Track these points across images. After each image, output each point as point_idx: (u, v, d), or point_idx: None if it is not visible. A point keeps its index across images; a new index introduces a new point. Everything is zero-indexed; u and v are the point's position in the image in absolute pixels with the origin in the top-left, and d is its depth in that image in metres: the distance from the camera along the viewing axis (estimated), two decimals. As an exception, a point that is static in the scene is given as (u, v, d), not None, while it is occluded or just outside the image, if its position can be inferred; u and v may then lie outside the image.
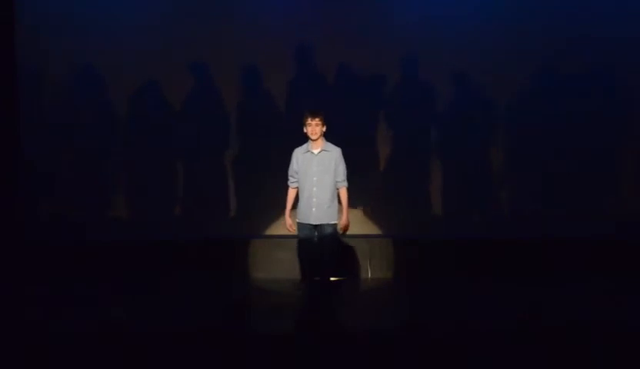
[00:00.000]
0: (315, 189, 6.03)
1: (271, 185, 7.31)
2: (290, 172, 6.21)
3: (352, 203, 7.50)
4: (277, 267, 7.46)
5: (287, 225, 6.25)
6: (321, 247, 6.10)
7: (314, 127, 5.98)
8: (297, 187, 6.20)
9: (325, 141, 6.08)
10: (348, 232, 6.26)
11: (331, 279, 6.26)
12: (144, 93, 7.85)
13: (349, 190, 6.19)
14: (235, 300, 6.96)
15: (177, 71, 7.76)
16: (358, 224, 7.61)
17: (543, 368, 5.01)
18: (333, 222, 6.09)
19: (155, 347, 5.34)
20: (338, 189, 6.13)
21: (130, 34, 7.73)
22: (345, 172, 6.14)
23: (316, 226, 6.07)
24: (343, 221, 6.15)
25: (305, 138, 6.11)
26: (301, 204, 6.13)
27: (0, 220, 7.62)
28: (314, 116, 5.98)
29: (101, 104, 7.83)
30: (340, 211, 6.16)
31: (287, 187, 6.28)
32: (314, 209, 6.03)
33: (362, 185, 7.60)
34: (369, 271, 7.71)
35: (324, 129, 6.04)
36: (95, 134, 7.80)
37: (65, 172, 7.80)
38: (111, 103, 7.84)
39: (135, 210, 7.92)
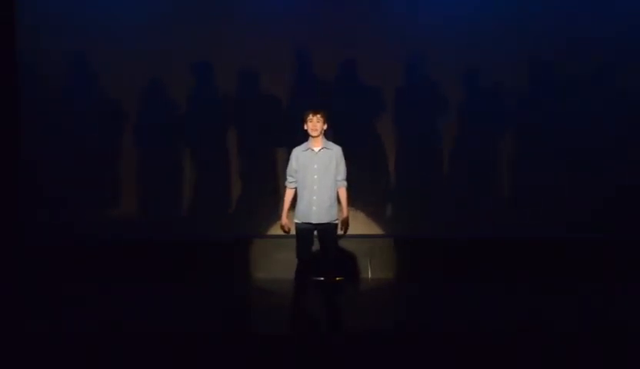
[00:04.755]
0: (315, 187, 5.97)
1: (271, 185, 7.31)
2: (289, 171, 6.13)
3: (353, 203, 7.51)
4: (277, 267, 7.45)
5: (283, 225, 6.16)
6: (323, 247, 6.06)
7: (315, 123, 5.94)
8: (295, 188, 6.12)
9: (324, 139, 6.05)
10: (348, 232, 6.21)
11: (336, 279, 6.21)
12: (144, 93, 7.84)
13: (350, 189, 6.17)
14: (235, 300, 6.96)
15: (177, 71, 7.76)
16: (359, 224, 7.61)
17: (542, 368, 5.01)
18: (334, 221, 6.06)
19: (155, 347, 5.35)
20: (337, 188, 6.08)
21: (130, 34, 7.73)
22: (345, 171, 6.12)
23: (316, 225, 6.03)
24: (344, 221, 6.11)
25: (305, 138, 6.09)
26: (301, 203, 6.04)
27: (0, 221, 7.62)
28: (315, 112, 5.96)
29: (102, 105, 7.81)
30: (340, 210, 6.11)
31: (285, 187, 6.20)
32: (314, 208, 5.96)
33: (363, 185, 7.59)
34: (369, 271, 7.70)
35: (325, 127, 6.00)
36: (95, 135, 7.79)
37: (65, 172, 7.79)
38: (112, 103, 7.83)
39: (135, 210, 7.91)
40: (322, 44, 7.77)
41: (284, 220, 6.15)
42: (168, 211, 7.90)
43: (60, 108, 7.79)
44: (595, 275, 7.30)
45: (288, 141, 6.45)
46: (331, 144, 6.05)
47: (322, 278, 6.07)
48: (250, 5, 7.81)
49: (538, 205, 7.75)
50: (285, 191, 6.19)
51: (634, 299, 6.67)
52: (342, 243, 7.35)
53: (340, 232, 6.11)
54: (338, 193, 6.07)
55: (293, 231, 6.11)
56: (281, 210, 6.18)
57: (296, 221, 6.04)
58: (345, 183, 6.09)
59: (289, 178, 6.13)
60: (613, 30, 7.66)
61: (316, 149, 5.99)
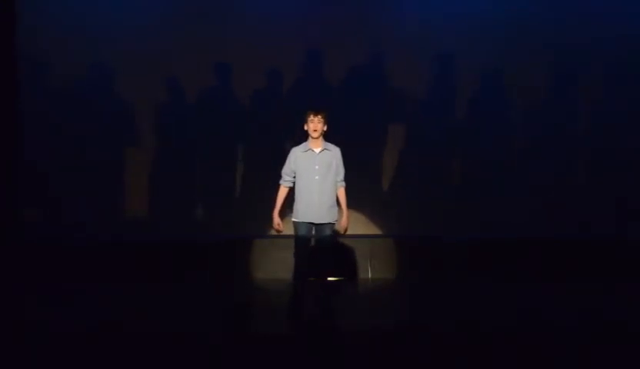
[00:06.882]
0: (317, 188, 5.97)
1: (272, 185, 7.25)
2: (285, 170, 6.14)
3: (353, 203, 7.50)
4: (277, 267, 7.45)
5: (275, 224, 6.17)
6: (320, 247, 6.07)
7: (316, 123, 5.94)
8: (290, 187, 6.14)
9: (324, 140, 6.05)
10: (347, 232, 6.23)
11: (330, 279, 6.21)
12: (144, 93, 7.82)
13: (349, 190, 6.17)
14: (235, 300, 6.96)
15: (178, 71, 7.76)
16: (359, 224, 7.61)
17: (542, 368, 5.01)
18: (333, 222, 6.07)
19: (155, 347, 5.34)
20: (337, 189, 6.10)
21: (130, 35, 7.73)
22: (344, 172, 6.13)
23: (315, 225, 6.03)
24: (343, 222, 6.13)
25: (306, 138, 6.09)
26: (300, 203, 6.04)
27: (0, 220, 7.62)
28: (316, 113, 5.96)
29: (102, 105, 7.81)
30: (339, 211, 6.12)
31: (278, 185, 6.19)
32: (315, 208, 5.97)
33: (363, 185, 7.60)
34: (369, 271, 7.70)
35: (325, 128, 6.00)
36: (95, 135, 7.79)
37: (65, 172, 7.79)
38: (112, 103, 7.83)
39: (135, 211, 7.91)
40: (324, 44, 7.79)
41: (276, 218, 6.15)
42: (168, 211, 7.89)
43: (60, 107, 7.78)
44: (598, 276, 7.31)
45: (290, 141, 6.46)
46: (331, 146, 6.06)
47: (320, 278, 6.07)
48: (251, 6, 7.81)
49: (539, 205, 7.75)
50: (278, 188, 6.17)
51: (634, 299, 6.67)
52: (342, 243, 7.35)
53: (340, 232, 6.13)
54: (337, 193, 6.09)
55: (286, 231, 6.11)
56: (274, 207, 6.17)
57: (295, 220, 6.04)
58: (343, 183, 6.12)
59: (285, 177, 6.13)
60: (615, 30, 7.67)
61: (317, 150, 6.00)
